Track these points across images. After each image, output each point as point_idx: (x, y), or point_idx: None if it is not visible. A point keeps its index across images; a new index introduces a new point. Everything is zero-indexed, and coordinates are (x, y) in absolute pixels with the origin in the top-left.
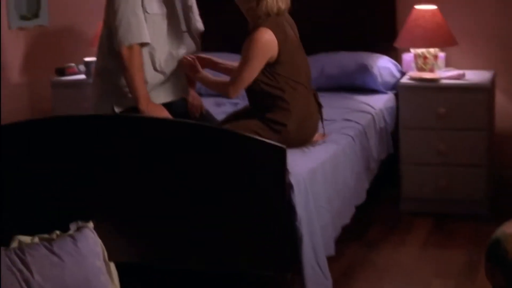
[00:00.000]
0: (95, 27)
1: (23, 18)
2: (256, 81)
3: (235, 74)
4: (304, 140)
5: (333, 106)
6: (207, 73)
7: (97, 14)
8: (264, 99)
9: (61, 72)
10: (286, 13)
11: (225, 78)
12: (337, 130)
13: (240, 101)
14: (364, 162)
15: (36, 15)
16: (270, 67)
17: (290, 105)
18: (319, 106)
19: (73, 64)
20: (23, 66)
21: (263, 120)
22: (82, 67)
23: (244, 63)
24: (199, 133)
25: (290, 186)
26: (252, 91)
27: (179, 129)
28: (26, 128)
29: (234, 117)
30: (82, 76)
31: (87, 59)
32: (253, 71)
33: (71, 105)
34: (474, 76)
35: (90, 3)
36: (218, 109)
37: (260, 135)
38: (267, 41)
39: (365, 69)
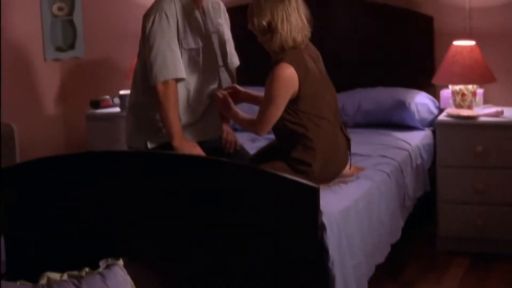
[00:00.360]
0: (130, 60)
1: (59, 49)
2: (280, 118)
3: (260, 113)
4: (331, 176)
5: (369, 142)
6: (238, 110)
7: (133, 47)
8: (289, 137)
9: (96, 104)
10: (311, 45)
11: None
12: (372, 166)
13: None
14: (400, 199)
15: (71, 47)
16: (291, 103)
17: (314, 143)
18: (347, 139)
19: (108, 97)
20: (58, 97)
21: (287, 160)
22: (116, 100)
23: (267, 101)
24: (230, 171)
25: (322, 227)
26: (277, 129)
27: (210, 167)
28: (57, 163)
29: (261, 155)
30: (117, 109)
31: (122, 92)
32: (277, 109)
33: (105, 138)
34: None
35: (126, 36)
36: (253, 144)
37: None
38: (288, 77)
39: (402, 105)
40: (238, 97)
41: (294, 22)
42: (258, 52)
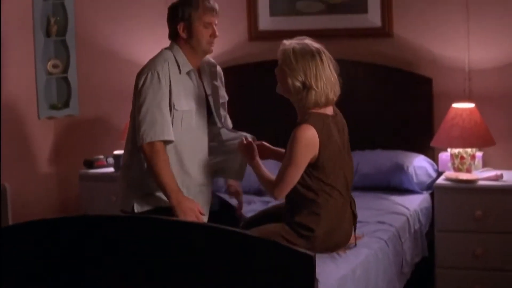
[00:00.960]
0: (126, 119)
1: (53, 107)
2: None
3: (279, 174)
4: (333, 247)
5: (366, 207)
6: (261, 164)
7: (129, 106)
8: (298, 200)
9: (90, 164)
10: (339, 115)
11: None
12: (370, 234)
13: (272, 200)
14: (397, 265)
15: (66, 105)
16: (308, 167)
17: (322, 210)
18: (354, 216)
19: (102, 157)
20: (52, 156)
21: (291, 224)
22: (111, 160)
23: (287, 162)
24: (223, 237)
25: None
26: (288, 195)
27: (202, 233)
28: (49, 226)
29: (263, 216)
30: (111, 169)
31: (116, 152)
32: (297, 171)
33: (98, 198)
34: None
35: (122, 94)
36: (248, 207)
37: (286, 239)
38: (309, 138)
39: (400, 169)
40: (265, 154)
41: (327, 78)
42: (251, 114)
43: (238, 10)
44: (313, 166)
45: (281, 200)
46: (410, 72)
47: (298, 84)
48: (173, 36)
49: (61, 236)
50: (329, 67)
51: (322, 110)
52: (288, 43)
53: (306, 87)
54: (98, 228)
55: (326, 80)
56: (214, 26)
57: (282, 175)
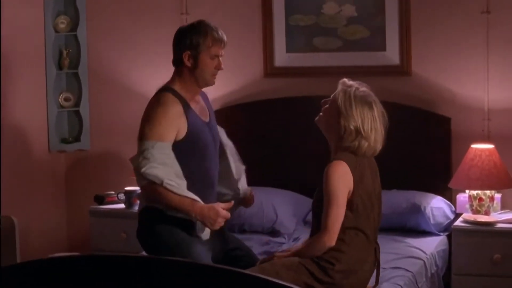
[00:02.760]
0: None
1: (64, 141)
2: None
3: (324, 219)
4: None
5: (382, 250)
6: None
7: None
8: None
9: (100, 200)
10: (372, 159)
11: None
12: (386, 279)
13: (286, 241)
14: None
15: (77, 139)
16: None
17: (346, 248)
18: (378, 263)
19: (113, 192)
20: (61, 190)
21: (313, 258)
22: (121, 196)
23: (328, 203)
24: (230, 279)
25: None
26: (317, 226)
27: (214, 275)
28: (58, 265)
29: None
30: (122, 206)
31: (127, 188)
32: (340, 208)
33: (109, 234)
34: None
35: (134, 129)
36: (262, 248)
37: (306, 268)
38: (342, 172)
39: (417, 210)
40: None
41: (379, 131)
42: (265, 150)
43: (254, 46)
44: (347, 204)
45: None
46: (429, 111)
47: (351, 128)
48: (177, 62)
49: (69, 275)
50: (381, 121)
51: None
52: (349, 83)
53: (360, 135)
54: (108, 267)
55: (379, 134)
56: (220, 58)
57: (326, 218)
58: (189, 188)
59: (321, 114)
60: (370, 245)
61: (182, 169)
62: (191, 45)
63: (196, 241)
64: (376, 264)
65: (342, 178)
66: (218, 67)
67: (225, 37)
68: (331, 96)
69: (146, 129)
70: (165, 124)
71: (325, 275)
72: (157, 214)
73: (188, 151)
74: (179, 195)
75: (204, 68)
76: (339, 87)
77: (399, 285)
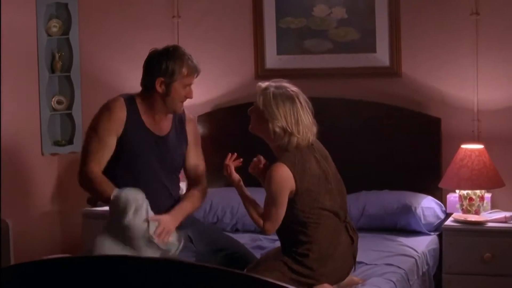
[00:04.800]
0: None
1: (57, 143)
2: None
3: (265, 212)
4: (334, 275)
5: (374, 249)
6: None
7: None
8: (288, 233)
9: (93, 202)
10: (318, 144)
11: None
12: (379, 275)
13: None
14: None
15: (70, 141)
16: (290, 202)
17: (311, 238)
18: (352, 240)
19: None
20: (55, 193)
21: (289, 254)
22: None
23: (269, 202)
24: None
25: None
26: (278, 230)
27: (210, 276)
28: (52, 267)
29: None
30: None
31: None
32: (280, 208)
33: None
34: None
35: None
36: (253, 243)
37: (286, 265)
38: (282, 177)
39: (408, 210)
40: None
41: (306, 123)
42: (256, 152)
43: (245, 48)
44: (294, 200)
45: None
46: (419, 112)
47: (278, 130)
48: (147, 87)
49: (63, 277)
50: (307, 110)
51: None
52: (265, 86)
53: (287, 132)
54: (101, 269)
55: (306, 125)
56: (191, 88)
57: (268, 213)
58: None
59: (251, 122)
60: (338, 224)
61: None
62: (166, 72)
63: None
64: (353, 243)
65: (282, 180)
66: (189, 96)
67: (198, 66)
68: (254, 103)
69: (88, 130)
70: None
71: (303, 267)
72: None
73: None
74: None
75: (176, 96)
76: (256, 93)
77: (392, 281)
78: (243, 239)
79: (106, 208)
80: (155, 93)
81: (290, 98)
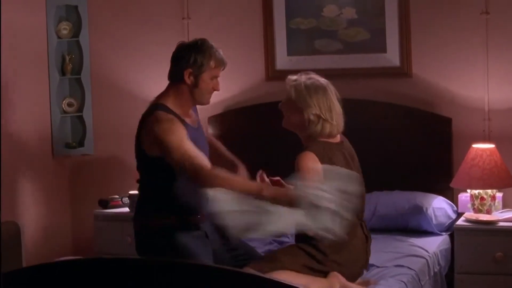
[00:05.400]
0: None
1: (68, 146)
2: None
3: None
4: (349, 267)
5: (385, 250)
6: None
7: None
8: None
9: (105, 204)
10: (346, 143)
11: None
12: (390, 276)
13: (289, 239)
14: None
15: (81, 144)
16: None
17: None
18: (367, 238)
19: (117, 196)
20: (66, 195)
21: (303, 240)
22: (126, 200)
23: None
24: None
25: None
26: None
27: (218, 276)
28: (64, 269)
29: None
30: (126, 209)
31: (131, 192)
32: None
33: (113, 238)
34: None
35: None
36: (264, 247)
37: (301, 248)
38: (310, 161)
39: (419, 211)
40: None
41: (338, 110)
42: (267, 153)
43: (255, 49)
44: None
45: None
46: (429, 112)
47: (312, 117)
48: (176, 78)
49: (74, 279)
50: (336, 98)
51: (329, 139)
52: (294, 78)
53: (321, 119)
54: (113, 271)
55: (338, 112)
56: (218, 80)
57: None
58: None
59: (284, 117)
60: (355, 221)
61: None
62: (194, 64)
63: (193, 241)
64: (367, 241)
65: (311, 166)
66: (216, 88)
67: (225, 58)
68: (285, 97)
69: (169, 146)
70: (178, 132)
71: (317, 251)
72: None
73: None
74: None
75: (203, 88)
76: (288, 85)
77: (403, 281)
78: (253, 242)
79: (118, 210)
80: (183, 85)
81: (322, 87)
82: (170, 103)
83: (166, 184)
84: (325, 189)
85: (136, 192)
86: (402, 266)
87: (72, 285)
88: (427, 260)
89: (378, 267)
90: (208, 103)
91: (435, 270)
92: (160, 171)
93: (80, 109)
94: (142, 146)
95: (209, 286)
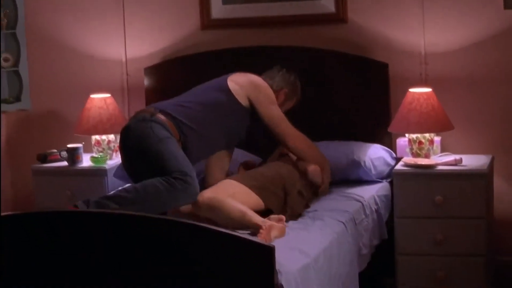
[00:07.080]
0: (78, 113)
1: (4, 101)
2: None
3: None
4: None
5: (323, 199)
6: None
7: (81, 99)
8: None
9: (43, 158)
10: None
11: None
12: (328, 215)
13: None
14: (356, 247)
15: (18, 99)
16: None
17: None
18: None
19: (55, 151)
20: (4, 151)
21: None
22: (64, 154)
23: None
24: (181, 230)
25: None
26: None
27: (158, 225)
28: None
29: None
30: (65, 163)
31: (70, 145)
32: None
33: (53, 193)
34: (471, 161)
35: (74, 87)
36: None
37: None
38: None
39: (357, 165)
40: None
41: None
42: None
43: None
44: None
45: None
46: (366, 57)
47: None
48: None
49: (15, 232)
50: None
51: None
52: None
53: None
54: (56, 224)
55: None
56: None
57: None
58: None
59: None
60: None
61: None
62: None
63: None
64: None
65: None
66: None
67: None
68: None
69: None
70: None
71: None
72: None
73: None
74: None
75: None
76: None
77: (342, 221)
78: None
79: (56, 164)
80: None
81: None
82: None
83: None
84: None
85: (74, 145)
86: (338, 209)
87: (12, 240)
88: (362, 203)
89: (315, 211)
90: None
91: (372, 208)
92: None
93: (16, 64)
94: None
95: (153, 237)
